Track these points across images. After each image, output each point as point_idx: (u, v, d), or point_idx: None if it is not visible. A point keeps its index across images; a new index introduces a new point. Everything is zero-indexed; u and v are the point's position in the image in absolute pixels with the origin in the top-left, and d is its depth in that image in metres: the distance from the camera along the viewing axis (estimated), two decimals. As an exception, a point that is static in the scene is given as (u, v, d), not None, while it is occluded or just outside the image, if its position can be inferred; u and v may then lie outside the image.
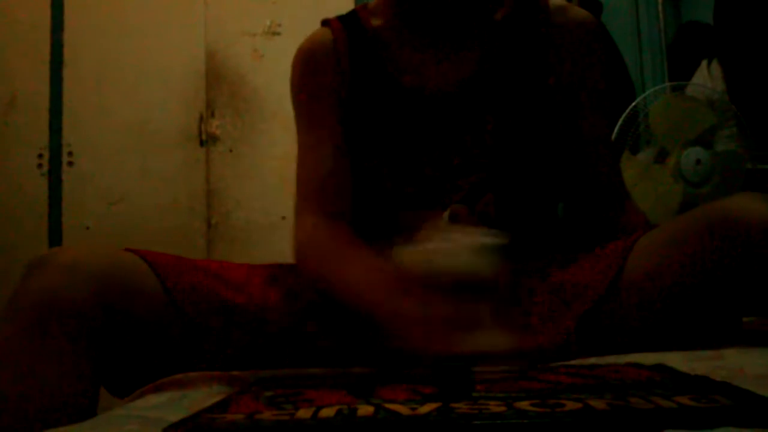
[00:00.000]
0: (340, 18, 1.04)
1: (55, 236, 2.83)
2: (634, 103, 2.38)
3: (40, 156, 2.87)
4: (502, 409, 0.46)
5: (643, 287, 0.81)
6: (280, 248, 2.62)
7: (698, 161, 2.27)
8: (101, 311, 0.76)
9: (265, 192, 2.89)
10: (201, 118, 2.96)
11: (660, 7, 3.06)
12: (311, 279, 0.89)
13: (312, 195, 0.98)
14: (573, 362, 0.75)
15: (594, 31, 1.00)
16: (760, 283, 0.73)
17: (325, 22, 1.04)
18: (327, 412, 0.48)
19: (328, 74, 0.99)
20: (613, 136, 2.31)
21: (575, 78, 0.97)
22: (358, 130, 0.97)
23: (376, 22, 1.01)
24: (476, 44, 0.96)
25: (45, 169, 2.87)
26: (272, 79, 2.91)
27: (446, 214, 0.92)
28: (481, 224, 0.91)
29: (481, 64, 0.96)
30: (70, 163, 2.88)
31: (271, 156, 2.91)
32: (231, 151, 2.96)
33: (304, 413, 0.48)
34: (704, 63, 2.65)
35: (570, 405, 0.46)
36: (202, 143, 2.95)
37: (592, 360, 0.75)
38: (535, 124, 0.94)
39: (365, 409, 0.48)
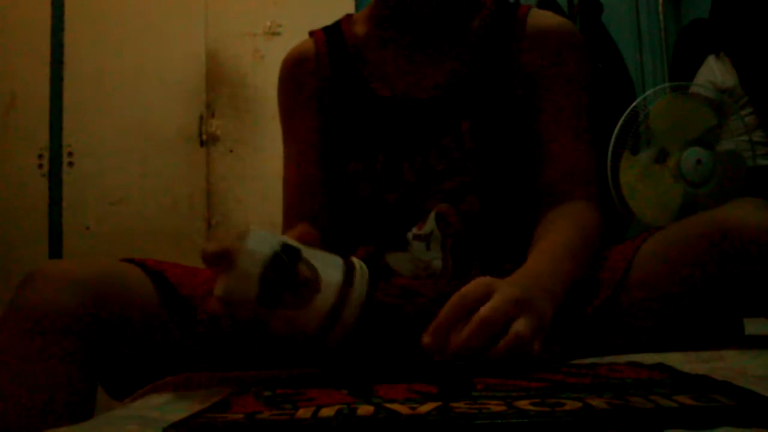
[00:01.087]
0: (325, 29, 1.06)
1: (55, 236, 2.83)
2: (634, 103, 2.38)
3: (40, 156, 2.87)
4: (502, 408, 0.46)
5: (644, 290, 0.81)
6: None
7: (699, 161, 2.27)
8: (95, 321, 0.78)
9: (265, 192, 2.89)
10: (201, 119, 2.96)
11: (660, 7, 3.06)
12: None
13: (292, 210, 1.03)
14: (573, 362, 0.75)
15: (568, 36, 0.99)
16: (759, 290, 0.73)
17: (311, 33, 1.06)
18: (327, 412, 0.48)
19: (309, 85, 1.02)
20: (613, 136, 2.31)
21: (548, 82, 0.97)
22: (339, 137, 0.98)
23: (357, 31, 1.03)
24: (453, 51, 0.97)
25: (45, 169, 2.87)
26: (272, 80, 2.87)
27: (432, 214, 0.92)
28: (464, 223, 0.92)
29: (457, 70, 0.96)
30: (70, 164, 2.88)
31: (272, 156, 2.91)
32: (231, 151, 2.96)
33: (303, 413, 0.48)
34: (710, 58, 2.64)
35: (570, 404, 0.46)
36: (202, 143, 2.95)
37: (592, 360, 0.75)
38: (510, 127, 0.94)
39: (365, 409, 0.48)
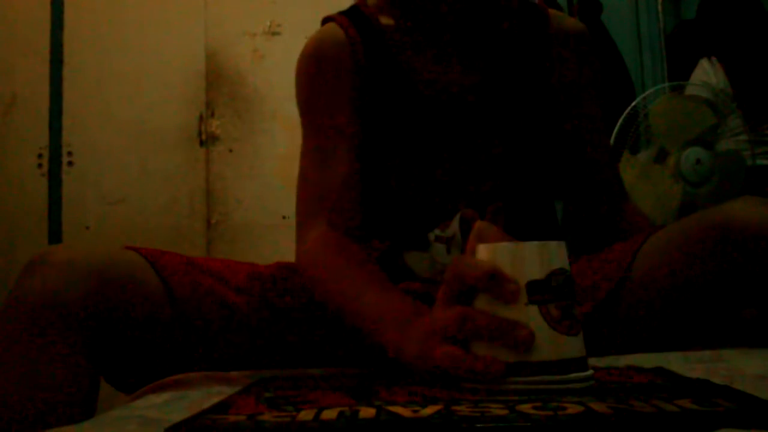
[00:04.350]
0: (345, 14, 1.00)
1: (55, 236, 2.82)
2: (634, 103, 2.38)
3: (40, 156, 2.87)
4: (504, 412, 0.46)
5: (644, 288, 0.81)
6: (280, 248, 2.62)
7: (698, 161, 2.27)
8: (99, 309, 0.76)
9: (265, 192, 2.89)
10: (201, 118, 2.96)
11: (660, 7, 3.06)
12: (318, 296, 0.85)
13: (318, 205, 0.92)
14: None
15: (588, 41, 1.03)
16: (759, 287, 0.73)
17: (329, 19, 1.00)
18: (329, 414, 0.48)
19: (343, 72, 0.95)
20: (613, 136, 2.31)
21: (573, 84, 1.00)
22: (370, 129, 0.95)
23: (384, 20, 0.98)
24: (484, 51, 0.97)
25: (45, 169, 2.86)
26: (272, 79, 2.91)
27: (456, 218, 0.92)
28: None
29: (490, 71, 0.96)
30: (70, 163, 2.88)
31: (271, 156, 2.90)
32: (231, 151, 2.95)
33: (305, 415, 0.48)
34: (703, 61, 2.66)
35: (572, 408, 0.46)
36: (202, 143, 2.95)
37: (592, 361, 0.75)
38: (541, 132, 0.95)
39: (367, 411, 0.48)
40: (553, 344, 0.57)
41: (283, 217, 2.84)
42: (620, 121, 2.33)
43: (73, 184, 2.87)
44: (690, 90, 2.50)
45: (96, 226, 2.86)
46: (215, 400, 0.59)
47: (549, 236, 0.99)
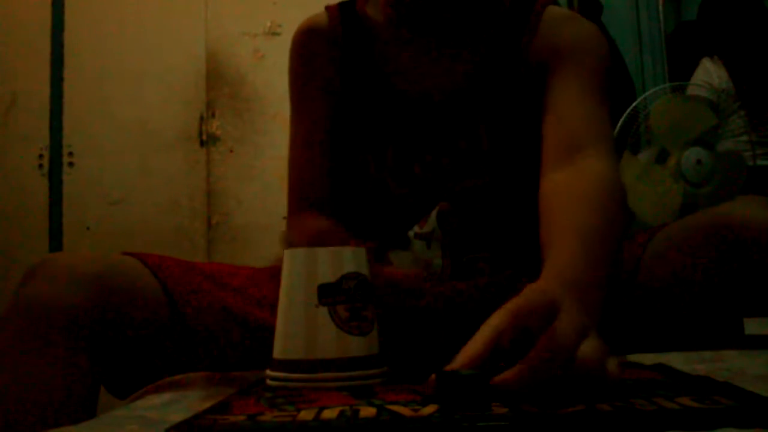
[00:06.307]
0: (340, 5, 1.03)
1: (55, 236, 2.83)
2: (634, 104, 2.38)
3: (41, 156, 2.87)
4: (505, 410, 0.46)
5: (644, 289, 0.81)
6: (281, 249, 2.61)
7: (699, 161, 2.27)
8: (98, 315, 0.77)
9: (265, 192, 2.89)
10: (201, 119, 2.96)
11: (660, 7, 3.06)
12: None
13: (299, 195, 1.00)
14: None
15: (595, 41, 0.95)
16: (761, 287, 0.73)
17: (327, 8, 1.03)
18: (329, 414, 0.48)
19: (321, 60, 0.99)
20: (614, 136, 2.32)
21: (561, 66, 0.92)
22: (349, 124, 0.97)
23: (373, 14, 1.00)
24: (469, 53, 0.96)
25: (45, 169, 2.87)
26: (273, 80, 2.91)
27: (434, 213, 0.92)
28: (465, 222, 0.92)
29: (471, 71, 0.95)
30: (71, 164, 2.88)
31: (271, 156, 2.91)
32: (231, 151, 2.96)
33: (305, 414, 0.48)
34: (705, 60, 2.66)
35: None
36: (202, 143, 2.95)
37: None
38: (524, 128, 0.93)
39: (367, 411, 0.48)
40: (338, 343, 0.62)
41: (284, 218, 2.83)
42: (621, 121, 2.33)
43: (73, 185, 2.88)
44: (691, 90, 2.51)
45: (96, 227, 2.86)
46: (215, 400, 0.59)
47: (533, 232, 0.96)
